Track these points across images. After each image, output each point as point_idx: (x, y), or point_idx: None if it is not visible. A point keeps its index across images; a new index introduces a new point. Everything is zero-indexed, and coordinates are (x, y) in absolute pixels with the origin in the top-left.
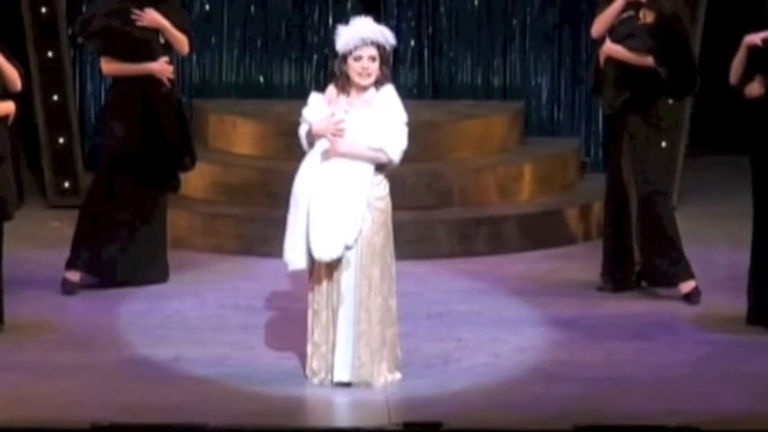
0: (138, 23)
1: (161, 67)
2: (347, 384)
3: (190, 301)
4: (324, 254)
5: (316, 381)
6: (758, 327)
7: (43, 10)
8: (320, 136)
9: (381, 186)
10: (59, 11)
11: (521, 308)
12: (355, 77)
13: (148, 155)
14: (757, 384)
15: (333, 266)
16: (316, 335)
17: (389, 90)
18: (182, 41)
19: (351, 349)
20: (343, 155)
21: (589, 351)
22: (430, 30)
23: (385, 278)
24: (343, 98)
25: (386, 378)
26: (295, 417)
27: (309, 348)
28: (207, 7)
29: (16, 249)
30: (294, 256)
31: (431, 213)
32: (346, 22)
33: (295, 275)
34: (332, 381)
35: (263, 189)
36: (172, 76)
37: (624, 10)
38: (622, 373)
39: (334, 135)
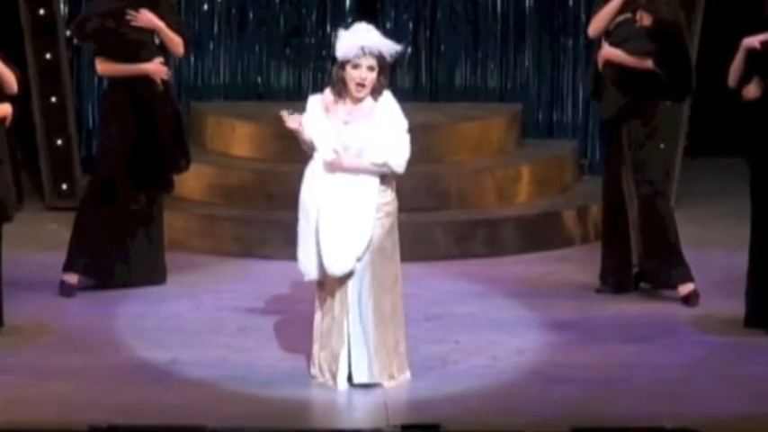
0: (134, 24)
1: (156, 67)
2: (366, 386)
3: (187, 304)
4: (336, 269)
5: (321, 381)
6: (756, 329)
7: (41, 12)
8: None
9: (388, 192)
10: (57, 12)
11: (518, 310)
12: (351, 87)
13: (143, 156)
14: (755, 386)
15: (344, 276)
16: (324, 337)
17: (388, 98)
18: (177, 42)
19: (367, 352)
20: (347, 170)
21: (587, 353)
22: (427, 32)
23: (395, 280)
24: (341, 106)
25: (397, 378)
26: (293, 418)
27: (316, 349)
28: (205, 9)
29: (14, 251)
30: (309, 267)
31: (429, 215)
32: (343, 24)
33: (292, 277)
34: (335, 384)
35: (261, 191)
36: (167, 77)
37: (621, 11)
38: (620, 375)
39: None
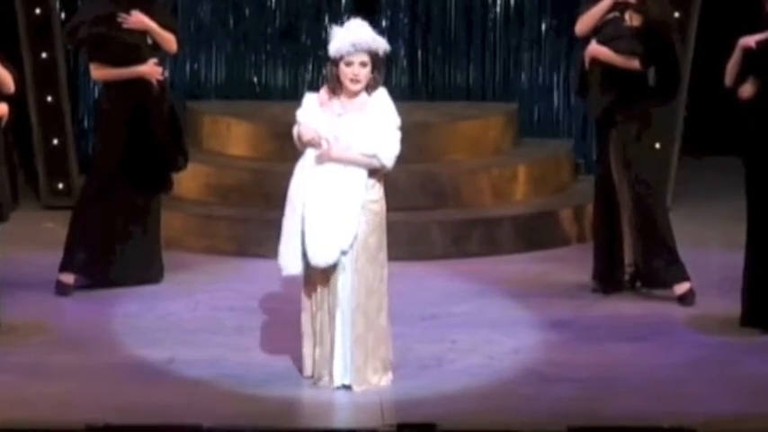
0: (125, 27)
1: (150, 69)
2: (347, 387)
3: (184, 303)
4: (320, 259)
5: (312, 381)
6: (752, 328)
7: (37, 11)
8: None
9: (375, 189)
10: (53, 12)
11: (515, 309)
12: (346, 82)
13: (141, 156)
14: (751, 386)
15: (328, 270)
16: (311, 337)
17: (382, 94)
18: (169, 41)
19: (348, 352)
20: (336, 160)
21: (583, 352)
22: (424, 31)
23: (381, 280)
24: (336, 101)
25: (379, 379)
26: (289, 418)
27: (304, 350)
28: (201, 9)
29: (10, 250)
30: (288, 261)
31: (425, 214)
32: (340, 23)
33: (289, 277)
34: (331, 383)
35: (257, 190)
36: (161, 78)
37: (610, 10)
38: (616, 374)
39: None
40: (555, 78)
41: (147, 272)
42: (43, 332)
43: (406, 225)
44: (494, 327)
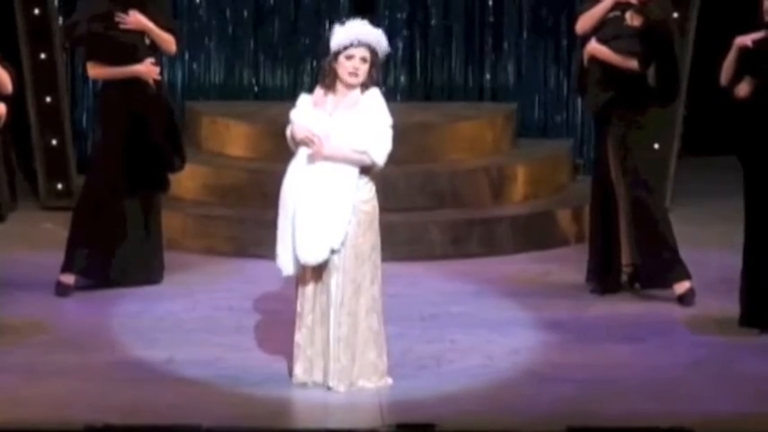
0: (123, 26)
1: (147, 68)
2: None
3: (183, 303)
4: (309, 258)
5: (299, 382)
6: (751, 328)
7: (36, 11)
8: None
9: (367, 189)
10: (52, 12)
11: (514, 309)
12: (344, 75)
13: (138, 156)
14: (749, 386)
15: (319, 270)
16: (300, 337)
17: (375, 93)
18: (168, 41)
19: (330, 351)
20: (327, 157)
21: (582, 353)
22: (422, 31)
23: (372, 281)
24: (329, 99)
25: (374, 383)
26: (288, 418)
27: (294, 351)
28: (200, 9)
29: (10, 251)
30: (286, 262)
31: (424, 215)
32: (341, 23)
33: (287, 277)
34: (323, 384)
35: (256, 191)
36: (158, 77)
37: (611, 10)
38: (615, 374)
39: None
40: (554, 79)
41: (147, 272)
42: (42, 332)
43: (405, 225)
44: (492, 327)
